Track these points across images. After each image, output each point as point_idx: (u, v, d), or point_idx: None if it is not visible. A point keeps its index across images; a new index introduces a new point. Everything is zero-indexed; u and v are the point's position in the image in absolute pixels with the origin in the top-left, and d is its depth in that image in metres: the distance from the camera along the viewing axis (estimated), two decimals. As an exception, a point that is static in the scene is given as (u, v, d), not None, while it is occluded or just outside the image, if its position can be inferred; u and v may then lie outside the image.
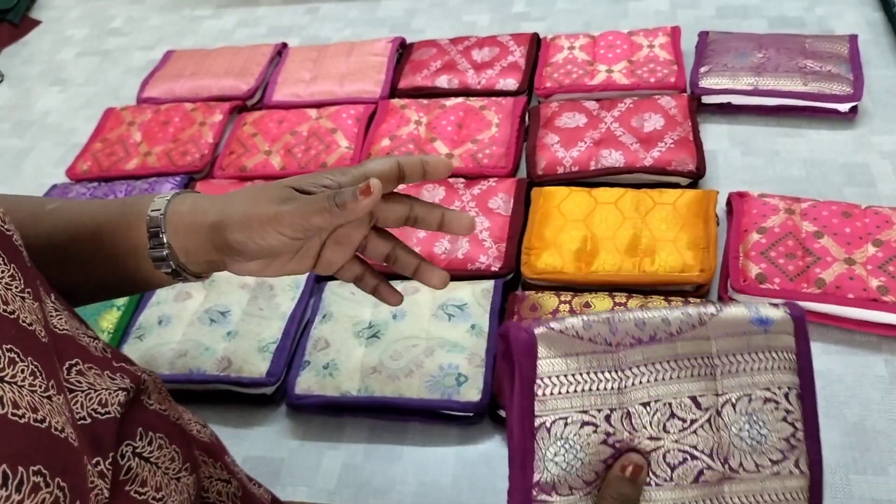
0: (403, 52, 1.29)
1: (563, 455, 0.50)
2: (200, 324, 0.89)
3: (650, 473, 0.50)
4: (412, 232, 0.95)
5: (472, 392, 0.78)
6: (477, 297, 0.86)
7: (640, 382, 0.51)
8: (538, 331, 0.50)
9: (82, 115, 1.36)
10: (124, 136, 1.21)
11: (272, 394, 0.84)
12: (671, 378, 0.52)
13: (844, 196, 0.94)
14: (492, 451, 0.78)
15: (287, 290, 0.92)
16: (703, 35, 1.17)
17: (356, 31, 1.42)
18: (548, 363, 0.50)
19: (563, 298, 0.84)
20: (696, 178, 0.97)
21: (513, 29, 1.33)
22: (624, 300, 0.82)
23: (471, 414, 0.78)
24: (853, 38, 1.10)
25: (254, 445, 0.82)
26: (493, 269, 0.90)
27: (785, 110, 1.05)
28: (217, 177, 1.13)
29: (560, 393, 0.50)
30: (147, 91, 1.32)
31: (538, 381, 0.50)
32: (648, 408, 0.51)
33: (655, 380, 0.52)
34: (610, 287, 0.86)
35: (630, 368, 0.51)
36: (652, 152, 0.98)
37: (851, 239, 0.83)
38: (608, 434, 0.50)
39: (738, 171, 1.00)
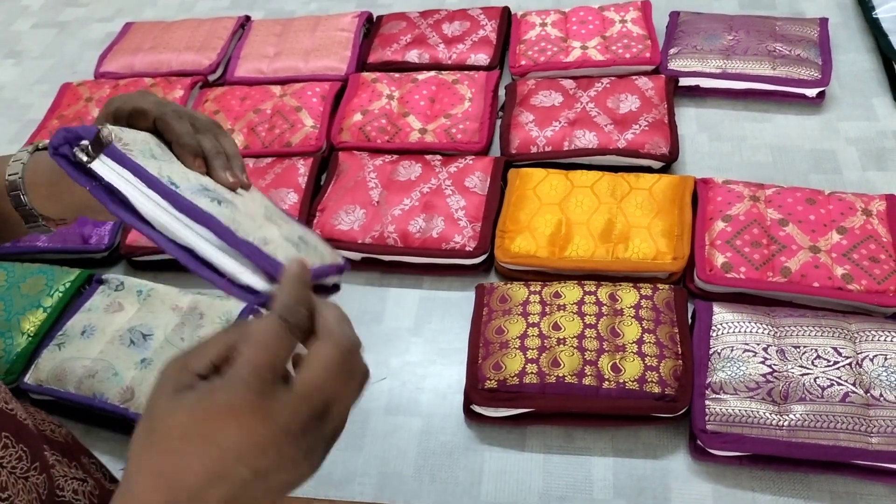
0: (370, 27, 1.27)
1: (728, 369, 0.72)
2: (120, 343, 0.84)
3: (805, 391, 0.70)
4: (386, 208, 0.93)
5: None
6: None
7: (791, 335, 0.74)
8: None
9: (38, 89, 1.31)
10: (82, 112, 1.18)
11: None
12: (815, 335, 0.73)
13: (810, 183, 0.94)
14: (453, 443, 0.78)
15: (217, 321, 0.86)
16: (675, 15, 1.16)
17: (322, 5, 1.39)
18: (720, 316, 0.77)
19: (532, 289, 0.83)
20: (668, 161, 0.96)
21: (483, 2, 1.30)
22: (594, 288, 0.82)
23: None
24: (823, 22, 1.10)
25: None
26: (467, 248, 0.89)
27: (753, 94, 1.05)
28: (179, 154, 1.10)
29: (727, 333, 0.75)
30: (105, 65, 1.28)
31: (713, 327, 0.76)
32: (798, 350, 0.73)
33: (803, 335, 0.74)
34: (582, 273, 0.85)
35: (783, 327, 0.75)
36: (626, 134, 0.98)
37: (816, 226, 0.84)
38: (764, 358, 0.72)
39: (705, 156, 1.00)
